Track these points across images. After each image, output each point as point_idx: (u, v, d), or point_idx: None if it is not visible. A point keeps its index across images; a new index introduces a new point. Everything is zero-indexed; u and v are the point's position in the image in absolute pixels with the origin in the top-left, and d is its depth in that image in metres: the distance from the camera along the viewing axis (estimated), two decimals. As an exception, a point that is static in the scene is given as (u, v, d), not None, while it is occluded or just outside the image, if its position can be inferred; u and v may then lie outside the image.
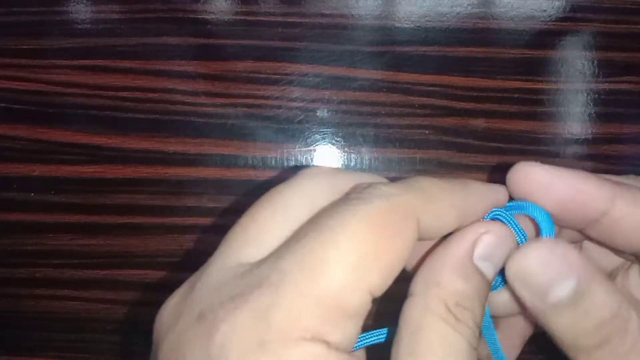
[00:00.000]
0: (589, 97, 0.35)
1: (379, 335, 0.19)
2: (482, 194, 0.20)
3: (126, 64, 0.35)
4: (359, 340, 0.17)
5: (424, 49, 0.35)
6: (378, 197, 0.17)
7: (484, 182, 0.21)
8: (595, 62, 0.35)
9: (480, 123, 0.35)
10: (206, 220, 0.36)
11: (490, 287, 0.19)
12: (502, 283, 0.21)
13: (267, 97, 0.35)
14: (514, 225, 0.20)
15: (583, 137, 0.35)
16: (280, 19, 0.35)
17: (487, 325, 0.21)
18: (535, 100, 0.35)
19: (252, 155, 0.35)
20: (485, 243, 0.19)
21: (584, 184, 0.20)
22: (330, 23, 0.35)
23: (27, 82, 0.36)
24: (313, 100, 0.35)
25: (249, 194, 0.35)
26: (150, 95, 0.35)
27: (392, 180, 0.19)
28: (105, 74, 0.35)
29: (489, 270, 0.19)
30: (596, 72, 0.35)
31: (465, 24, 0.35)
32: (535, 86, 0.35)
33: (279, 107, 0.35)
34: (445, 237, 0.19)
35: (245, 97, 0.35)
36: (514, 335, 0.24)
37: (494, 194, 0.20)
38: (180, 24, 0.35)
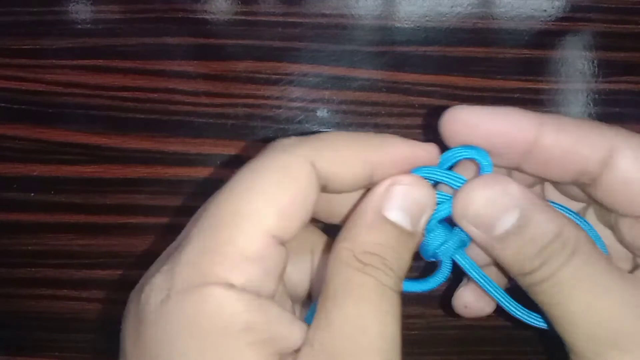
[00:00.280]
0: (589, 97, 0.35)
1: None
2: (401, 148, 0.20)
3: (126, 64, 0.35)
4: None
5: (424, 49, 0.35)
6: (273, 149, 0.19)
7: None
8: (595, 62, 0.35)
9: (480, 123, 0.35)
10: (206, 220, 0.35)
11: (415, 235, 0.20)
12: None
13: (267, 97, 0.35)
14: (444, 173, 0.20)
15: (583, 137, 0.35)
16: (280, 19, 0.35)
17: (473, 265, 0.21)
18: (535, 100, 0.35)
19: (252, 155, 0.35)
20: (394, 194, 0.20)
21: (510, 116, 0.20)
22: (330, 23, 0.35)
23: (27, 82, 0.36)
24: (313, 100, 0.35)
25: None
26: (150, 95, 0.35)
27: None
28: (105, 74, 0.35)
29: (403, 219, 0.19)
30: (596, 72, 0.35)
31: (465, 24, 0.35)
32: (535, 86, 0.35)
33: (279, 107, 0.35)
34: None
35: (245, 97, 0.35)
36: None
37: (416, 148, 0.20)
38: (180, 24, 0.35)
